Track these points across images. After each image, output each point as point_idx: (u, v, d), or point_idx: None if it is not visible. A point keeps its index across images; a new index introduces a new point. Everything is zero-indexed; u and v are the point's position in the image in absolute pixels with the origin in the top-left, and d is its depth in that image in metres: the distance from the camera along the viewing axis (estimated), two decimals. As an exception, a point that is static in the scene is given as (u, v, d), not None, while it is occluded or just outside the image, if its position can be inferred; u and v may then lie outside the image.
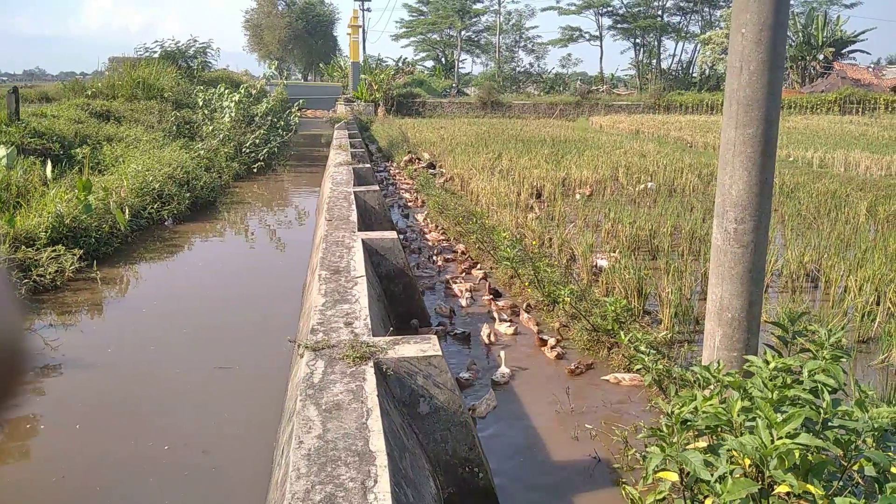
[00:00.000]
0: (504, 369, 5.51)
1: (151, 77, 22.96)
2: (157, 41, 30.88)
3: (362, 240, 6.62)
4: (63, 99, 21.12)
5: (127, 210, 9.96)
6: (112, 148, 14.62)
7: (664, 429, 2.79)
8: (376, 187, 10.26)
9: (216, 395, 5.37)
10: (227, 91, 19.43)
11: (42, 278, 7.59)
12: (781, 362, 2.98)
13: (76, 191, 9.49)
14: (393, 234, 7.03)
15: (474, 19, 58.69)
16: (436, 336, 4.15)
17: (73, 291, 7.75)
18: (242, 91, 19.23)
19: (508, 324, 6.64)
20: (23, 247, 7.97)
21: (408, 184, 15.92)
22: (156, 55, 27.80)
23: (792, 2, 45.21)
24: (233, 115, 18.45)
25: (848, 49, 50.07)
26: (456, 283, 7.98)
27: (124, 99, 21.38)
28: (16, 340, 0.81)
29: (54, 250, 8.06)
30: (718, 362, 3.19)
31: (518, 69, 59.82)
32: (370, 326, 4.26)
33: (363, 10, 50.91)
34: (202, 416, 5.01)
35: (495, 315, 6.84)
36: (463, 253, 9.34)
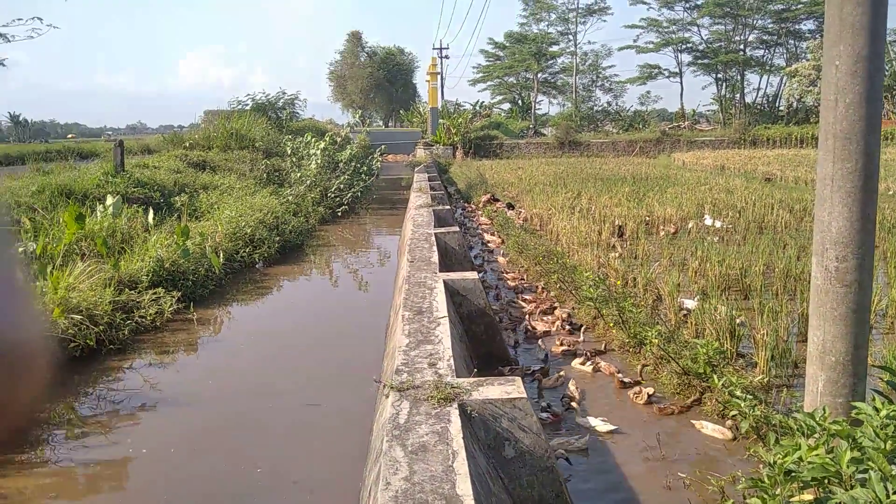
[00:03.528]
0: (591, 419, 5.37)
1: (244, 128, 24.26)
2: (248, 94, 32.71)
3: (444, 280, 6.68)
4: (163, 150, 22.56)
5: (221, 254, 10.46)
6: (208, 195, 15.45)
7: (765, 479, 2.65)
8: (456, 228, 10.37)
9: (305, 430, 5.50)
10: (313, 139, 20.27)
11: (143, 319, 8.03)
12: (893, 409, 2.78)
13: (175, 236, 10.06)
14: (474, 275, 7.06)
15: (550, 61, 59.08)
16: (520, 378, 4.11)
17: (171, 332, 8.16)
18: (328, 139, 20.02)
19: (586, 361, 6.56)
20: (126, 290, 8.47)
21: (486, 224, 16.01)
22: (247, 107, 29.40)
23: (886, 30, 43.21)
24: (319, 161, 19.18)
25: (950, 76, 47.16)
26: (537, 322, 7.91)
27: (219, 149, 22.64)
28: (32, 338, 0.80)
29: (155, 293, 8.54)
30: (824, 409, 3.01)
31: (595, 108, 59.54)
32: (453, 367, 4.27)
33: (441, 57, 52.40)
34: (292, 450, 5.15)
35: (574, 353, 6.77)
36: (543, 290, 9.26)
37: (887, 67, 44.89)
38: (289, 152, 20.37)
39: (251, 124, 25.05)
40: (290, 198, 17.21)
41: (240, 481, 4.70)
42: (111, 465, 5.07)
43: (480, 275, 10.34)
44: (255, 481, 4.66)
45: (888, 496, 2.25)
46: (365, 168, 20.55)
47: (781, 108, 51.11)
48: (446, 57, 54.66)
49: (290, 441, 5.31)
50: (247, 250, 11.70)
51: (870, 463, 2.39)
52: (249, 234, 12.21)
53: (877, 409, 2.79)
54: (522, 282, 10.06)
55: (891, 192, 16.84)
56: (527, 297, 9.18)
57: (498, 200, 18.62)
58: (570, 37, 57.88)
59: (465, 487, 2.84)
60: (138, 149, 24.03)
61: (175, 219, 12.63)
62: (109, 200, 11.52)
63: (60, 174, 14.44)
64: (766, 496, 2.59)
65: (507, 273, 10.71)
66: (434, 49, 54.09)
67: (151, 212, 11.78)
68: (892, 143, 35.13)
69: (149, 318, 8.09)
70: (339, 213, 18.45)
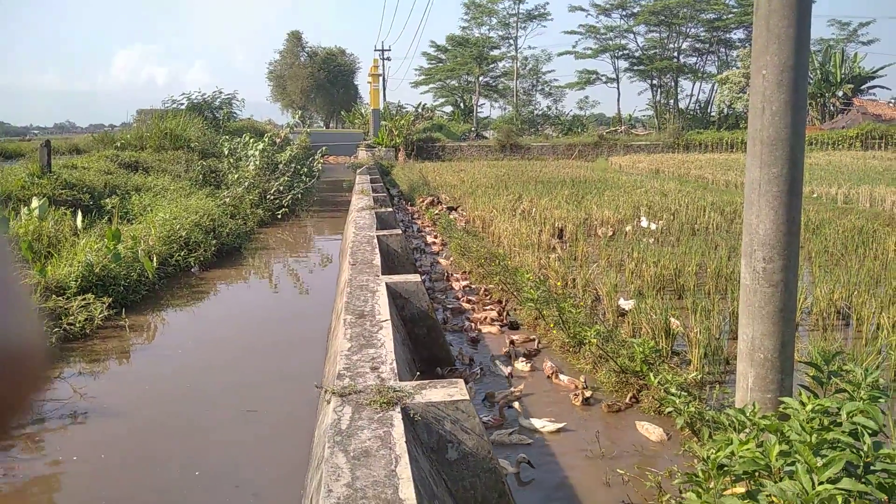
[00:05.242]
0: (534, 420, 5.44)
1: (178, 128, 23.57)
2: (184, 93, 31.80)
3: (386, 283, 6.64)
4: (93, 151, 21.71)
5: (155, 258, 10.12)
6: (140, 197, 14.95)
7: (700, 474, 2.73)
8: (399, 231, 10.33)
9: (245, 437, 5.38)
10: (251, 140, 19.85)
11: (72, 326, 7.69)
12: (818, 404, 2.91)
13: (105, 240, 9.68)
14: (416, 278, 7.05)
15: (492, 65, 59.67)
16: (462, 381, 4.12)
17: (102, 339, 7.84)
18: (266, 140, 19.63)
19: (525, 360, 6.65)
20: (53, 296, 8.11)
21: (429, 226, 16.02)
22: (183, 107, 28.60)
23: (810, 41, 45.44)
24: (257, 163, 18.80)
25: (867, 85, 50.03)
26: (480, 324, 7.96)
27: (152, 150, 21.93)
28: (29, 339, 0.72)
29: (84, 299, 8.19)
30: (754, 405, 3.12)
31: (536, 112, 60.49)
32: (396, 371, 4.25)
33: (383, 59, 52.14)
34: (231, 456, 5.02)
35: (513, 354, 6.88)
36: (486, 293, 9.33)
37: (811, 76, 47.23)
38: (226, 153, 19.88)
39: (186, 124, 24.36)
40: (227, 200, 16.81)
41: (178, 486, 4.57)
42: (40, 475, 4.83)
43: (423, 277, 10.34)
44: (194, 486, 4.54)
45: (814, 487, 2.35)
46: (305, 170, 20.25)
47: (713, 113, 53.11)
48: (388, 59, 54.47)
49: (230, 448, 5.18)
50: (182, 254, 11.36)
51: (797, 456, 2.49)
52: (184, 237, 11.86)
53: (803, 404, 2.91)
54: (466, 284, 10.11)
55: (815, 196, 17.68)
56: (471, 298, 9.23)
57: (440, 203, 18.67)
58: (511, 41, 58.73)
59: (407, 492, 2.83)
60: (66, 149, 23.08)
61: (105, 222, 12.16)
62: (35, 203, 11.01)
63: (-19, 175, 13.71)
64: (700, 490, 2.67)
65: (450, 275, 10.73)
66: (376, 51, 53.86)
67: (80, 214, 11.31)
68: (816, 148, 36.93)
69: (78, 325, 7.76)
70: (279, 216, 18.13)
